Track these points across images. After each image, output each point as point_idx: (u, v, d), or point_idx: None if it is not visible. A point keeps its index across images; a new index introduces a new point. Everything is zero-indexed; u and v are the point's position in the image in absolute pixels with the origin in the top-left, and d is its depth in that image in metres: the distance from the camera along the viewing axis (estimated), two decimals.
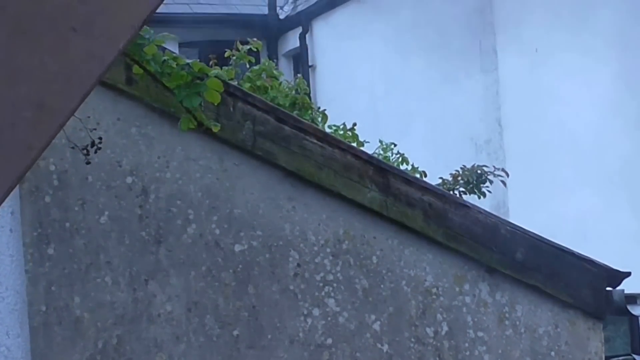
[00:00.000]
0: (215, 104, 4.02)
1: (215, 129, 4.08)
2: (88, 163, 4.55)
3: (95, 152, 4.50)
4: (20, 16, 1.23)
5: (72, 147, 4.47)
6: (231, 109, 4.83)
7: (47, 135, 1.26)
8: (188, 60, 3.90)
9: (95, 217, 4.86)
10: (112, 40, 1.22)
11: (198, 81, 3.77)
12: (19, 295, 4.36)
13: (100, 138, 4.50)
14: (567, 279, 5.26)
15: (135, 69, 3.93)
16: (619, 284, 5.21)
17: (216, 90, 3.76)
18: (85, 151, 4.46)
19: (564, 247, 5.33)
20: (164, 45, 3.93)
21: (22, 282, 4.39)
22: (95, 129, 4.62)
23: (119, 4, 1.23)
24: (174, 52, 4.32)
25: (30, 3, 1.23)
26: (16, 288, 4.32)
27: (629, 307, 5.18)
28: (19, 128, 1.24)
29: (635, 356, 5.90)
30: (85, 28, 1.23)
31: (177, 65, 3.82)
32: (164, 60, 3.83)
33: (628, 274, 5.19)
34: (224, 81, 4.05)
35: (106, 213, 4.88)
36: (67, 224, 4.83)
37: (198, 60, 4.29)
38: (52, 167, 4.82)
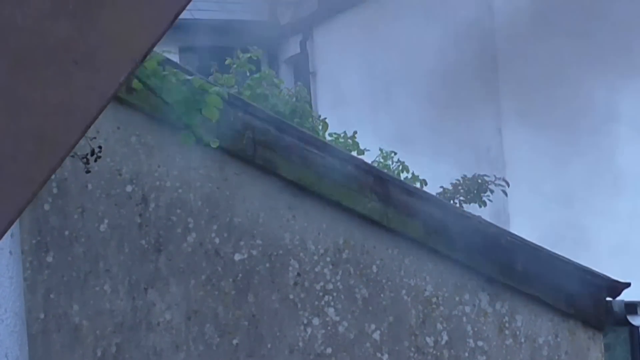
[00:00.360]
0: (214, 120, 4.01)
1: (214, 145, 4.08)
2: (88, 172, 4.54)
3: (95, 160, 4.50)
4: (22, 49, 1.23)
5: (72, 156, 4.47)
6: (232, 118, 4.83)
7: (48, 168, 1.25)
8: (188, 76, 3.89)
9: (95, 225, 4.86)
10: (113, 73, 1.22)
11: (198, 97, 3.77)
12: (18, 317, 4.35)
13: (100, 147, 4.50)
14: (567, 289, 5.26)
15: (135, 83, 3.93)
16: (619, 294, 5.21)
17: (216, 107, 3.75)
18: (85, 159, 4.46)
19: (564, 257, 5.33)
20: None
21: (21, 304, 4.39)
22: (95, 138, 4.62)
23: (120, 38, 1.23)
24: (176, 64, 4.31)
25: (32, 36, 1.22)
26: (15, 310, 4.31)
27: (629, 317, 5.18)
28: (20, 161, 1.24)
29: None
30: (87, 61, 1.23)
31: (177, 80, 3.81)
32: (164, 75, 3.82)
33: (628, 285, 5.19)
34: (225, 91, 4.04)
35: (106, 221, 4.87)
36: (67, 232, 4.83)
37: (199, 68, 4.28)
38: (52, 176, 4.82)
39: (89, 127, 1.27)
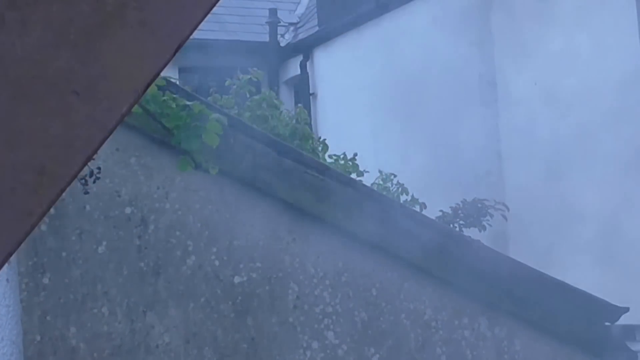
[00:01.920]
0: (214, 146, 4.00)
1: (213, 172, 4.06)
2: (86, 193, 4.53)
3: (94, 182, 4.48)
4: (21, 79, 1.22)
5: None
6: (232, 141, 4.83)
7: (47, 201, 1.24)
8: (188, 102, 3.88)
9: (93, 247, 4.84)
10: (114, 105, 1.21)
11: (197, 124, 3.76)
12: (15, 345, 4.32)
13: (99, 168, 4.49)
14: (565, 314, 5.24)
15: (135, 108, 3.92)
16: (617, 319, 5.19)
17: (215, 133, 3.74)
18: (83, 181, 4.44)
19: (562, 282, 5.31)
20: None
21: (18, 333, 4.36)
22: (94, 159, 4.61)
23: (122, 68, 1.22)
24: (175, 91, 4.30)
25: (32, 66, 1.21)
26: (12, 338, 4.28)
27: (628, 343, 5.16)
28: (19, 193, 1.23)
29: None
30: (88, 92, 1.22)
31: (176, 105, 3.80)
32: (164, 100, 3.81)
33: (626, 309, 5.17)
34: (225, 116, 4.03)
35: (104, 243, 4.85)
36: (64, 254, 4.81)
37: (198, 88, 4.27)
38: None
39: (90, 159, 1.25)
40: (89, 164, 4.47)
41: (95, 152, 1.25)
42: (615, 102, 8.22)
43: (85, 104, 1.24)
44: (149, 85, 1.25)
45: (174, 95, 3.96)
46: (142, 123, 4.72)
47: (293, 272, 5.02)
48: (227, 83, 7.59)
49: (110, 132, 1.25)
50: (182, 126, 3.64)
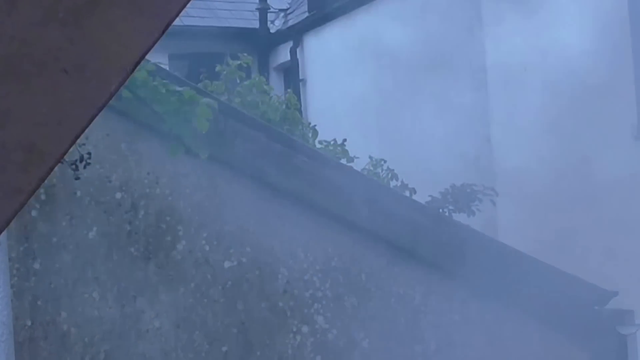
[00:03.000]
0: (204, 131, 4.00)
1: (203, 156, 4.07)
2: (77, 178, 4.53)
3: (85, 167, 4.49)
4: (10, 58, 1.22)
5: (61, 162, 4.46)
6: (222, 126, 4.83)
7: (37, 179, 1.24)
8: (178, 88, 3.88)
9: (84, 232, 4.84)
10: (103, 83, 1.21)
11: (188, 108, 3.76)
12: (5, 326, 4.33)
13: (89, 153, 4.49)
14: (554, 298, 5.26)
15: (125, 92, 3.92)
16: (607, 303, 5.22)
17: (206, 118, 3.75)
18: (74, 166, 4.45)
19: (551, 266, 5.33)
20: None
21: (8, 313, 4.36)
22: (84, 144, 4.61)
23: (111, 47, 1.23)
24: (165, 77, 4.30)
25: (21, 44, 1.21)
26: (3, 319, 4.29)
27: (617, 327, 5.18)
28: (8, 171, 1.23)
29: None
30: (77, 70, 1.22)
31: (167, 91, 3.81)
32: (154, 85, 3.81)
33: (615, 294, 5.20)
34: (215, 100, 4.03)
35: (95, 228, 4.86)
36: (54, 239, 4.82)
37: (188, 75, 4.27)
38: (40, 186, 4.80)
39: (79, 137, 1.26)
40: (79, 149, 4.47)
41: (84, 130, 1.25)
42: (606, 81, 8.25)
43: (74, 82, 1.25)
44: (137, 63, 1.25)
45: (164, 81, 3.96)
46: (133, 109, 4.72)
47: (283, 257, 5.03)
48: (217, 69, 7.58)
49: (99, 110, 1.26)
50: (173, 111, 3.64)
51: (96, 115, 1.26)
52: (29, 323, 4.77)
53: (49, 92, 1.25)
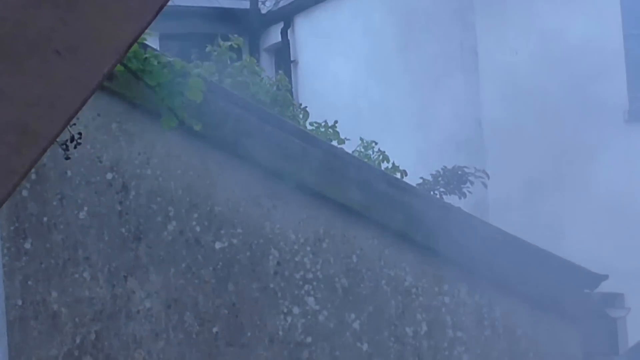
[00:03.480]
0: (198, 102, 4.00)
1: (197, 127, 4.06)
2: (67, 158, 4.52)
3: (75, 147, 4.47)
4: (3, 39, 1.20)
5: None
6: (213, 107, 4.82)
7: (30, 160, 1.23)
8: (169, 58, 3.88)
9: (74, 213, 4.84)
10: (96, 65, 1.20)
11: (180, 80, 3.75)
12: None
13: (79, 133, 4.47)
14: (545, 281, 5.28)
15: (117, 66, 3.90)
16: (597, 286, 5.24)
17: (198, 88, 3.74)
18: (64, 146, 4.43)
19: (542, 249, 5.35)
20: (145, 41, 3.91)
21: (0, 292, 4.35)
22: (74, 124, 4.59)
23: (104, 29, 1.21)
24: (156, 50, 4.30)
25: (14, 26, 1.20)
26: None
27: (607, 310, 5.21)
28: (1, 152, 1.22)
29: (614, 358, 5.93)
30: (70, 52, 1.20)
31: (158, 63, 3.80)
32: (145, 57, 3.80)
33: (605, 277, 5.22)
34: (206, 80, 4.02)
35: (85, 208, 4.86)
36: (45, 219, 4.81)
37: (179, 55, 4.27)
38: (33, 167, 4.79)
39: (72, 118, 1.25)
40: (69, 129, 4.45)
41: (77, 112, 1.24)
42: (597, 66, 8.25)
43: (67, 63, 1.24)
44: (131, 45, 1.24)
45: (156, 52, 3.95)
46: (124, 88, 4.70)
47: (274, 238, 5.04)
48: (207, 50, 7.57)
49: (93, 92, 1.25)
50: (165, 84, 3.63)
51: (89, 97, 1.25)
52: (20, 302, 4.77)
53: (42, 74, 1.23)
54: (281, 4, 12.41)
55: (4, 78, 1.21)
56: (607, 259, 6.94)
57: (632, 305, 6.57)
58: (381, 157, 7.23)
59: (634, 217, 8.07)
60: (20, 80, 1.21)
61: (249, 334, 4.99)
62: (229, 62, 7.40)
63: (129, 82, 4.44)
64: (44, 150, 1.26)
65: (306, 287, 5.06)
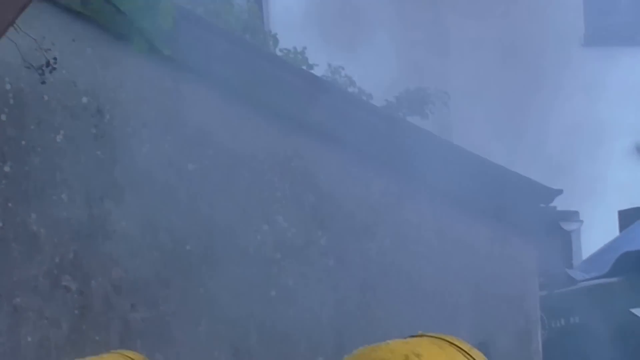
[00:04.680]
0: (168, 27, 4.10)
1: (166, 52, 4.17)
2: (43, 82, 4.59)
3: (50, 72, 4.54)
4: None
5: (28, 67, 4.52)
6: (185, 32, 4.91)
7: None
8: None
9: (51, 136, 4.93)
10: None
11: (151, 4, 3.85)
12: None
13: (55, 58, 4.54)
14: (502, 196, 5.43)
15: None
16: (552, 200, 5.40)
17: (169, 14, 3.85)
18: (40, 71, 4.50)
19: (500, 165, 5.49)
20: None
21: None
22: (50, 50, 4.67)
23: None
24: None
25: None
26: None
27: (562, 224, 5.39)
28: None
29: (568, 271, 6.15)
30: None
31: None
32: None
33: (560, 191, 5.39)
34: (177, 6, 4.12)
35: (62, 132, 4.95)
36: (23, 142, 4.90)
37: None
38: (8, 86, 4.89)
39: (26, 7, 1.25)
40: (45, 54, 4.54)
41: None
42: None
43: None
44: None
45: None
46: (98, 13, 4.78)
47: (245, 159, 5.17)
48: None
49: None
50: (136, 9, 3.74)
51: None
52: (0, 224, 4.88)
53: None
54: None
55: None
56: (563, 178, 7.12)
57: (586, 220, 6.78)
58: (348, 81, 7.36)
59: (591, 137, 8.25)
60: None
61: (220, 251, 5.13)
62: None
63: (102, 6, 4.51)
64: None
65: (275, 205, 5.20)
